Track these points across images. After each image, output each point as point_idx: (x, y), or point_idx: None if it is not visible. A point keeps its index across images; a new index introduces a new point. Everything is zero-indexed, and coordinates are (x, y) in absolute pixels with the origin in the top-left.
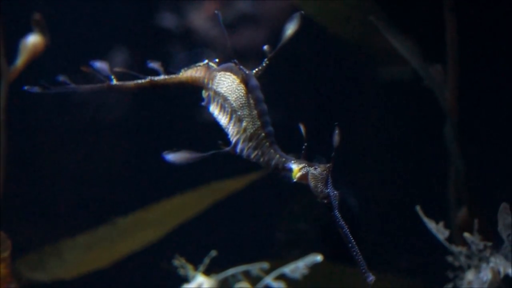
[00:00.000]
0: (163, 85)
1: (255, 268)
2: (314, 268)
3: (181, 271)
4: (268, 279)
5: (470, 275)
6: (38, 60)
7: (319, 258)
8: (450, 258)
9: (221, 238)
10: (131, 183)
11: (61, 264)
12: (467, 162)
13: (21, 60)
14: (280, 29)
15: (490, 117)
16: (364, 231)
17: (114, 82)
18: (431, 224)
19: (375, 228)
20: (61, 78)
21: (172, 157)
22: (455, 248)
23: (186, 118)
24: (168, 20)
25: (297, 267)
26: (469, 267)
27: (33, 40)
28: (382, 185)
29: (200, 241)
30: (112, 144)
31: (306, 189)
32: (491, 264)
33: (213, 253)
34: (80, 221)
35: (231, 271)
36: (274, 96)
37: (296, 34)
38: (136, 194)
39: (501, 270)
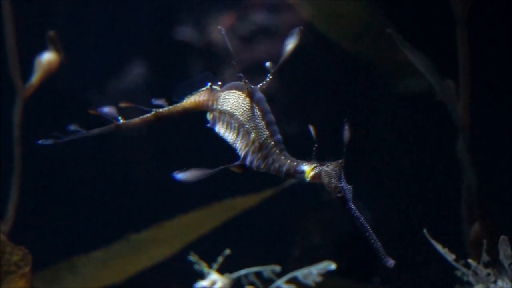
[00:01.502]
0: (169, 116)
1: (267, 270)
2: (329, 285)
3: (197, 267)
4: (280, 282)
5: None
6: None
7: (333, 266)
8: (458, 273)
9: (234, 255)
10: (146, 200)
11: (76, 279)
12: (480, 177)
13: (36, 78)
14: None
15: (502, 131)
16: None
17: (121, 121)
18: (438, 247)
19: (387, 243)
20: (72, 127)
21: (182, 176)
22: (464, 269)
23: (200, 135)
24: (185, 33)
25: (310, 273)
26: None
27: (48, 57)
28: (395, 199)
29: (214, 257)
30: (126, 160)
31: (319, 206)
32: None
33: (227, 251)
34: (94, 237)
35: (244, 271)
36: (289, 111)
37: (310, 51)
38: (150, 211)
39: None
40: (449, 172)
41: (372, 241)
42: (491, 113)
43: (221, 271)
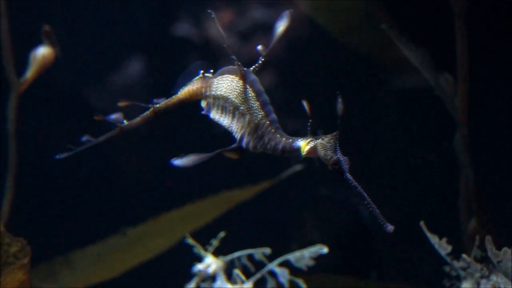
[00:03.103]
0: (166, 109)
1: (258, 252)
2: (328, 282)
3: (196, 250)
4: (272, 265)
5: (466, 284)
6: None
7: (325, 250)
8: (447, 268)
9: (233, 249)
10: (141, 193)
11: (72, 274)
12: (477, 172)
13: (30, 72)
14: (292, 38)
15: (500, 127)
16: (374, 241)
17: (125, 123)
18: (434, 239)
19: (385, 238)
20: (84, 138)
21: (179, 161)
22: (456, 264)
23: (195, 129)
24: (183, 29)
25: (302, 256)
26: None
27: (42, 52)
28: (393, 195)
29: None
30: (122, 154)
31: (317, 202)
32: (491, 281)
33: (222, 234)
34: (90, 232)
35: (237, 254)
36: (284, 105)
37: (309, 44)
38: (146, 204)
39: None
40: (447, 167)
41: (371, 208)
42: (488, 108)
43: (216, 245)
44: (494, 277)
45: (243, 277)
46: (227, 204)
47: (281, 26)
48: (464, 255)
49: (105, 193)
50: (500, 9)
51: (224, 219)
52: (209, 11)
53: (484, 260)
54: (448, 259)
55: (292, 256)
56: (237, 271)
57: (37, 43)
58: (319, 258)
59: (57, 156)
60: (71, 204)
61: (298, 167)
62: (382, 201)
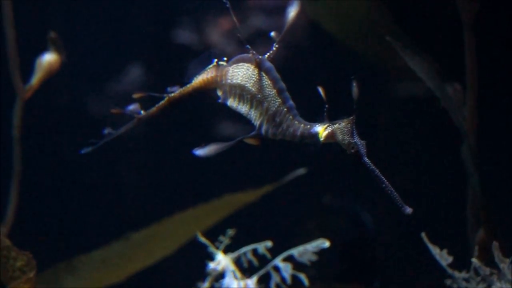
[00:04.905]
0: (181, 98)
1: (261, 246)
2: None
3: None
4: (276, 261)
5: None
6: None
7: (326, 244)
8: (448, 281)
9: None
10: (144, 198)
11: (76, 280)
12: (485, 181)
13: (36, 79)
14: (298, 46)
15: (508, 136)
16: (378, 249)
17: (142, 113)
18: (435, 250)
19: (391, 247)
20: (106, 130)
21: (201, 151)
22: (457, 274)
23: (197, 133)
24: (184, 36)
25: (306, 250)
26: None
27: (48, 58)
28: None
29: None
30: (124, 159)
31: (320, 210)
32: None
33: (230, 232)
34: (94, 237)
35: (243, 249)
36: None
37: (316, 50)
38: (149, 209)
39: None
40: (455, 176)
41: (389, 192)
42: (496, 117)
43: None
44: (498, 283)
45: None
46: (230, 208)
47: (292, 12)
48: (474, 259)
49: (108, 198)
50: (509, 18)
51: (226, 223)
52: (224, 0)
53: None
54: (449, 270)
55: (295, 251)
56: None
57: (43, 49)
58: (322, 266)
59: (82, 151)
60: (74, 209)
61: (301, 171)
62: (389, 210)
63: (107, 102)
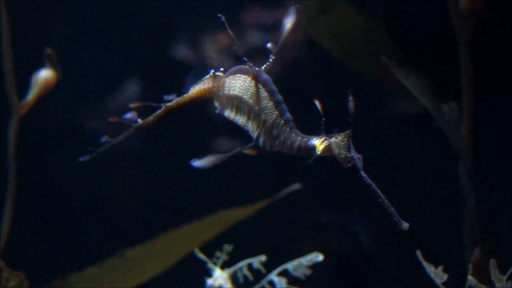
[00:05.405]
0: (178, 108)
1: (256, 261)
2: None
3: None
4: (271, 275)
5: None
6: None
7: (320, 257)
8: None
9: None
10: (139, 214)
11: None
12: (481, 200)
13: (32, 95)
14: (297, 62)
15: (504, 155)
16: (376, 268)
17: (139, 122)
18: (429, 268)
19: (387, 266)
20: (104, 138)
21: (199, 163)
22: None
23: (191, 149)
24: (182, 52)
25: (300, 264)
26: None
27: (44, 74)
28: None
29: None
30: (119, 176)
31: (317, 228)
32: None
33: (227, 247)
34: (88, 253)
35: (240, 264)
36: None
37: (313, 68)
38: (143, 225)
39: None
40: (451, 195)
41: (386, 206)
42: (492, 135)
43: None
44: None
45: None
46: (224, 224)
47: (288, 23)
48: (469, 277)
49: (102, 215)
50: (505, 36)
51: (221, 239)
52: (219, 15)
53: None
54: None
55: (290, 265)
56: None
57: (39, 65)
58: (319, 284)
59: (80, 159)
60: (68, 226)
61: (295, 186)
62: (385, 228)
63: (103, 118)
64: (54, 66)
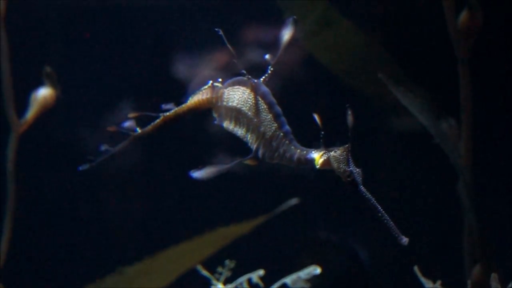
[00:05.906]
0: (176, 117)
1: (254, 275)
2: None
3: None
4: None
5: None
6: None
7: (318, 270)
8: None
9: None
10: (137, 231)
11: None
12: (481, 217)
13: (31, 113)
14: (296, 79)
15: (503, 171)
16: (375, 284)
17: (138, 131)
18: (428, 284)
19: (386, 282)
20: (103, 147)
21: (198, 174)
22: None
23: (188, 165)
24: (180, 71)
25: (299, 278)
26: None
27: (43, 93)
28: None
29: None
30: (117, 193)
31: (315, 243)
32: None
33: (229, 263)
34: (87, 271)
35: (240, 279)
36: None
37: (312, 85)
38: (142, 242)
39: None
40: (451, 210)
41: (385, 221)
42: (491, 152)
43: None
44: None
45: None
46: (223, 240)
47: (286, 34)
48: None
49: (101, 232)
50: (504, 54)
51: (220, 255)
52: (216, 29)
53: None
54: None
55: (289, 279)
56: None
57: (39, 84)
58: None
59: (80, 168)
60: (67, 244)
61: (293, 201)
62: (385, 245)
63: (101, 136)
64: (53, 85)
